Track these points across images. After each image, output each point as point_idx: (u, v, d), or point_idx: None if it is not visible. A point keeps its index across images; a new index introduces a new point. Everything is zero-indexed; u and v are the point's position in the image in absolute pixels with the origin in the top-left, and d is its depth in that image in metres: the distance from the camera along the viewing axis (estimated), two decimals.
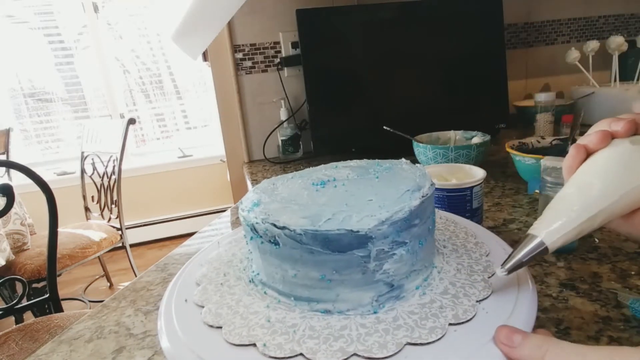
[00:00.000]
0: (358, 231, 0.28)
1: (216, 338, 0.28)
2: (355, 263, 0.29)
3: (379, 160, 0.41)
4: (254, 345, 0.27)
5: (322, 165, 0.42)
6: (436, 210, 0.46)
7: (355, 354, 0.25)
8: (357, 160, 0.42)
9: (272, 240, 0.30)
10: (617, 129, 0.28)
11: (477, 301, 0.29)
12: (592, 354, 0.21)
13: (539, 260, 0.51)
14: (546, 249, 0.27)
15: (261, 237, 0.31)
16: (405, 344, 0.26)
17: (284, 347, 0.26)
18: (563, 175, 0.30)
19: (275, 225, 0.30)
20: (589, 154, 0.29)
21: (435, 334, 0.26)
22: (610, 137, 0.28)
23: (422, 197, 0.31)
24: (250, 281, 0.35)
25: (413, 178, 0.35)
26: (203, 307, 0.32)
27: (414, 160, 0.91)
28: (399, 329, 0.27)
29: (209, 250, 0.42)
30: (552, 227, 0.27)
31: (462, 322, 0.27)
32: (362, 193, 0.33)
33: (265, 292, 0.33)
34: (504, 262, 0.29)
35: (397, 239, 0.29)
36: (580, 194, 0.27)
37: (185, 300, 0.33)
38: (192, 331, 0.29)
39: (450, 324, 0.27)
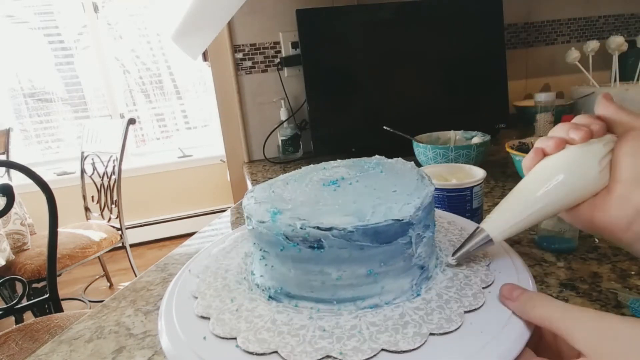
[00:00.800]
0: (402, 219, 0.29)
1: None
2: (399, 251, 0.30)
3: (363, 159, 0.42)
4: (329, 357, 0.25)
5: (307, 167, 0.42)
6: (440, 212, 0.48)
7: (431, 334, 0.26)
8: (341, 160, 0.42)
9: (314, 245, 0.29)
10: (574, 137, 0.30)
11: (487, 265, 0.33)
12: (580, 312, 0.24)
13: (539, 260, 0.51)
14: (491, 241, 0.32)
15: (297, 244, 0.29)
16: (464, 313, 0.28)
17: (361, 348, 0.26)
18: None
19: (319, 228, 0.28)
20: (545, 155, 0.32)
21: (480, 299, 0.29)
22: (564, 144, 0.31)
23: (431, 183, 0.34)
24: (269, 298, 0.32)
25: (409, 168, 0.37)
26: (235, 338, 0.28)
27: (414, 161, 0.91)
28: (449, 302, 0.29)
29: (197, 264, 0.39)
30: (497, 223, 0.32)
31: (491, 284, 0.31)
32: (383, 186, 0.34)
33: (296, 305, 0.31)
34: (455, 252, 0.33)
35: (427, 222, 0.31)
36: (523, 196, 0.32)
37: (204, 338, 0.29)
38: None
39: (483, 287, 0.30)
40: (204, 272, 0.38)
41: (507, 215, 0.31)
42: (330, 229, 0.28)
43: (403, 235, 0.29)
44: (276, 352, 0.26)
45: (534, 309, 0.26)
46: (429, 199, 0.31)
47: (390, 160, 0.40)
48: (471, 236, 0.32)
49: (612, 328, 0.22)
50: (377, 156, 0.42)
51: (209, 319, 0.31)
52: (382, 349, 0.25)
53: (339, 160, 0.43)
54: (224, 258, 0.40)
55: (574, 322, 0.23)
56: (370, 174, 0.37)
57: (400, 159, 0.40)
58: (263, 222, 0.31)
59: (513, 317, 0.27)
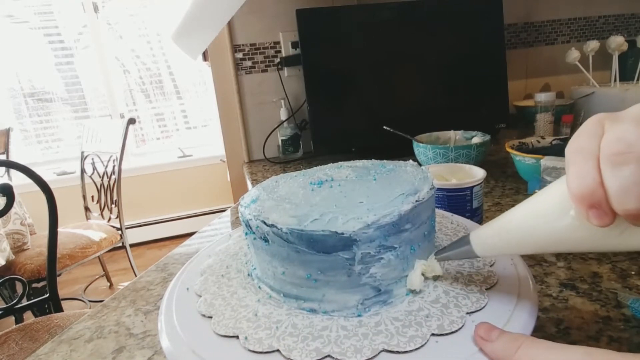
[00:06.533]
0: (342, 233, 0.28)
1: (208, 328, 0.30)
2: (340, 265, 0.29)
3: (385, 162, 0.41)
4: (237, 337, 0.28)
5: (329, 165, 0.43)
6: (442, 212, 0.46)
7: (329, 356, 0.25)
8: (364, 161, 0.42)
9: (262, 237, 0.31)
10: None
11: (467, 313, 0.28)
12: (568, 352, 0.21)
13: (539, 260, 0.51)
14: (476, 255, 0.29)
15: (254, 233, 0.32)
16: (381, 351, 0.25)
17: (263, 342, 0.27)
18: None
19: (265, 223, 0.30)
20: None
21: (414, 343, 0.25)
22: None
23: (416, 201, 0.30)
24: (248, 275, 0.36)
25: (412, 181, 0.34)
26: (201, 296, 0.33)
27: (414, 161, 0.91)
28: (379, 335, 0.27)
29: (219, 242, 0.44)
30: (485, 242, 0.28)
31: (446, 334, 0.26)
32: (355, 195, 0.33)
33: (259, 287, 0.34)
34: (439, 251, 0.32)
35: (385, 243, 0.29)
36: (514, 242, 0.27)
37: (187, 289, 0.35)
38: (188, 321, 0.31)
39: (432, 334, 0.26)
40: (234, 239, 0.43)
41: (499, 245, 0.28)
42: (271, 226, 0.30)
43: (345, 250, 0.28)
44: (211, 317, 0.30)
45: (519, 351, 0.22)
46: (392, 219, 0.29)
47: (410, 168, 0.38)
48: (457, 243, 0.30)
49: None
50: (410, 162, 0.39)
51: (202, 276, 0.37)
52: (277, 350, 0.26)
53: (363, 160, 0.43)
54: None
55: None
56: (361, 180, 0.36)
57: (424, 168, 0.38)
58: (242, 206, 0.34)
59: None
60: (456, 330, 0.26)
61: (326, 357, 0.25)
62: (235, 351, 0.27)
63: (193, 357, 0.27)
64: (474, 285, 0.31)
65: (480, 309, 0.28)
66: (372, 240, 0.28)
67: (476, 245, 0.29)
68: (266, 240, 0.31)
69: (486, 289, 0.30)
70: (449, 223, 0.42)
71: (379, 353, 0.25)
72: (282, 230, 0.29)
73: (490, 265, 0.33)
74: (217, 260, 0.39)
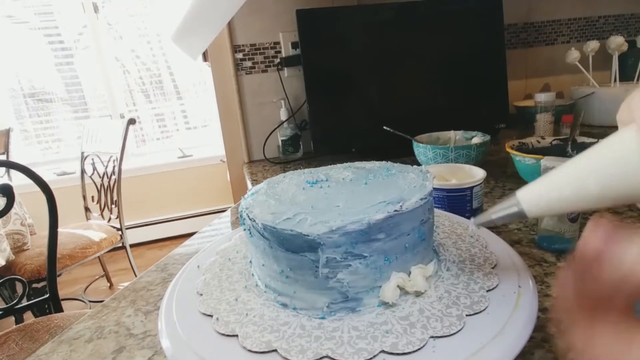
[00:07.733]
0: (307, 235, 0.28)
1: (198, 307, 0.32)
2: (307, 265, 0.29)
3: (395, 165, 0.41)
4: (210, 316, 0.30)
5: (343, 164, 0.43)
6: (461, 221, 0.44)
7: (276, 350, 0.26)
8: (375, 162, 0.43)
9: (248, 229, 0.33)
10: None
11: (431, 336, 0.26)
12: None
13: (539, 260, 0.51)
14: (524, 214, 0.25)
15: (244, 224, 0.34)
16: (324, 356, 0.25)
17: (229, 325, 0.29)
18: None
19: (248, 216, 0.32)
20: None
21: (359, 356, 0.25)
22: None
23: (394, 211, 0.29)
24: (249, 262, 0.38)
25: (403, 189, 0.33)
26: (204, 275, 0.37)
27: (415, 161, 0.91)
28: (330, 340, 0.27)
29: (235, 231, 0.47)
30: (537, 195, 0.25)
31: (397, 354, 0.25)
32: (336, 198, 0.33)
33: (252, 274, 0.36)
34: (479, 216, 0.28)
35: (352, 250, 0.29)
36: (578, 189, 0.23)
37: (198, 267, 0.39)
38: (188, 319, 0.32)
39: (382, 351, 0.25)
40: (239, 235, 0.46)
41: (553, 203, 0.24)
42: (252, 220, 0.32)
43: (311, 252, 0.29)
44: (202, 294, 0.33)
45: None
46: (359, 227, 0.28)
47: (412, 174, 0.37)
48: (501, 204, 0.27)
49: None
50: (422, 167, 0.39)
51: (215, 257, 0.40)
52: (237, 334, 0.28)
53: (373, 162, 0.43)
54: None
55: None
56: (353, 183, 0.36)
57: (428, 175, 0.36)
58: (243, 197, 0.37)
59: None
60: (410, 352, 0.25)
61: (273, 351, 0.26)
62: (208, 330, 0.29)
63: (193, 356, 0.27)
64: (455, 309, 0.28)
65: (448, 335, 0.26)
66: (337, 245, 0.28)
67: (529, 203, 0.25)
68: (250, 233, 0.33)
69: (467, 315, 0.28)
70: (457, 225, 0.42)
71: (321, 358, 0.25)
72: (259, 225, 0.31)
73: (487, 290, 0.30)
74: (232, 245, 0.42)
